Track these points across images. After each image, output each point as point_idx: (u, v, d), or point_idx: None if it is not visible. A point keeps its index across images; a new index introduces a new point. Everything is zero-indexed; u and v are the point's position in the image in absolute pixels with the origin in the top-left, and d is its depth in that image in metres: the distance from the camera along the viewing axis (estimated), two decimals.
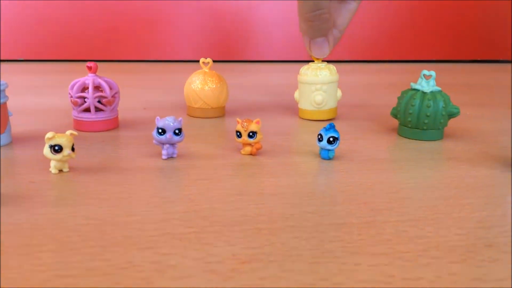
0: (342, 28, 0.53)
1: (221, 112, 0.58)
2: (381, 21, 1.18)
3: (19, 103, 0.64)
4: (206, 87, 0.56)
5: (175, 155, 0.42)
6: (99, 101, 0.50)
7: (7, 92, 0.66)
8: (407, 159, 0.43)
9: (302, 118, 0.58)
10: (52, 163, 0.38)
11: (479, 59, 1.23)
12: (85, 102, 0.49)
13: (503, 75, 1.03)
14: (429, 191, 0.36)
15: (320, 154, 0.43)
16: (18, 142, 0.46)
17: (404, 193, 0.35)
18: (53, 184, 0.36)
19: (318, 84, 0.55)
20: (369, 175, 0.39)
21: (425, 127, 0.49)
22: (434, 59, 1.21)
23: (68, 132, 0.37)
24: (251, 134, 0.43)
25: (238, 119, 0.43)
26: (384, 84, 0.88)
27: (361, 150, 0.46)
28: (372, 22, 1.18)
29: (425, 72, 0.50)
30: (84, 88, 0.50)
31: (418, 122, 0.49)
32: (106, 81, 0.50)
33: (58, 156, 0.37)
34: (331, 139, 0.42)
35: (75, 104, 0.49)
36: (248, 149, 0.44)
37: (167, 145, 0.42)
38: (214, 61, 0.61)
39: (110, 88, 0.50)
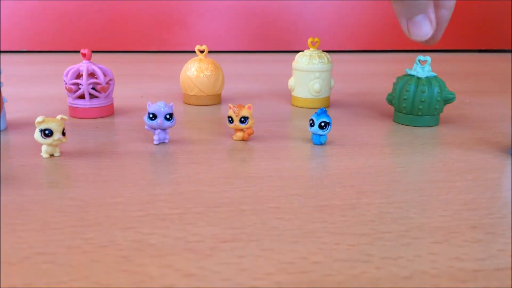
0: (450, 5, 0.44)
1: (217, 100, 0.58)
2: (379, 10, 1.17)
3: (16, 91, 0.65)
4: (202, 74, 0.56)
5: (166, 141, 0.42)
6: (93, 88, 0.50)
7: (2, 79, 0.66)
8: (399, 144, 0.43)
9: (296, 106, 0.58)
10: (43, 148, 0.38)
11: (479, 48, 1.22)
12: (79, 89, 0.50)
13: (503, 64, 1.02)
14: (418, 175, 0.36)
15: (312, 139, 0.43)
16: (12, 128, 0.46)
17: (392, 177, 0.35)
18: (43, 167, 0.36)
19: (316, 72, 0.55)
20: (358, 160, 0.39)
21: (420, 113, 0.48)
22: (433, 49, 1.20)
23: (58, 117, 0.38)
24: (242, 119, 0.43)
25: (230, 105, 0.43)
26: (380, 73, 0.87)
27: (354, 136, 0.45)
28: (370, 11, 1.17)
29: (421, 57, 0.49)
30: (78, 75, 0.50)
31: (413, 107, 0.48)
32: (100, 68, 0.50)
33: (49, 140, 0.37)
34: (322, 124, 0.42)
35: (69, 91, 0.49)
36: (240, 134, 0.44)
37: (159, 130, 0.42)
38: (209, 51, 0.61)
39: (105, 75, 0.50)
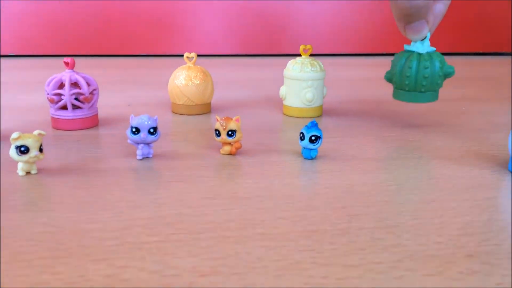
0: None
1: (206, 109, 0.57)
2: (372, 12, 1.15)
3: None
4: (190, 83, 0.54)
5: (150, 155, 0.41)
6: (76, 98, 0.48)
7: None
8: (392, 158, 0.41)
9: (287, 115, 0.56)
10: (19, 165, 0.36)
11: (477, 51, 1.21)
12: (62, 99, 0.48)
13: (502, 69, 1.00)
14: (411, 194, 0.34)
15: (302, 153, 0.41)
16: None
17: (385, 196, 0.33)
18: (18, 187, 0.34)
19: (309, 81, 0.53)
20: (351, 176, 0.37)
21: (423, 89, 0.48)
22: None
23: (36, 132, 0.36)
24: (230, 133, 0.41)
25: (217, 117, 0.42)
26: (374, 78, 0.85)
27: (346, 149, 0.44)
28: (364, 13, 1.15)
29: None
30: (61, 85, 0.48)
31: (416, 84, 0.47)
32: (83, 77, 0.48)
33: (25, 157, 0.35)
34: (313, 137, 0.40)
35: (51, 101, 0.48)
36: (227, 148, 0.42)
37: (142, 145, 0.40)
38: (199, 55, 0.59)
39: (88, 85, 0.49)
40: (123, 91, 0.70)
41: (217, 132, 0.41)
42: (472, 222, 0.30)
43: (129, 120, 0.39)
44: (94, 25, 1.08)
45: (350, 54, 1.15)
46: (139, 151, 0.40)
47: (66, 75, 0.48)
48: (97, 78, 0.51)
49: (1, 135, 0.45)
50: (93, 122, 0.50)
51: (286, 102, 0.56)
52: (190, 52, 0.56)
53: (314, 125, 0.40)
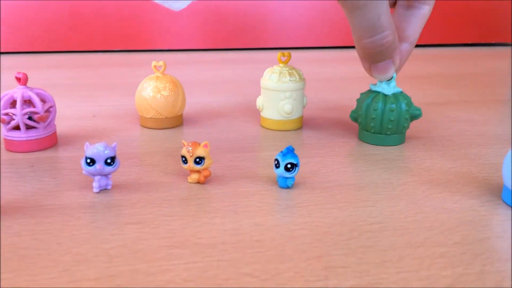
0: (413, 39, 0.44)
1: (177, 122, 0.53)
2: None
3: None
4: (159, 95, 0.50)
5: (109, 187, 0.37)
6: (29, 118, 0.43)
7: None
8: (376, 186, 0.38)
9: (265, 128, 0.52)
10: None
11: (471, 42, 1.16)
12: (13, 119, 0.43)
13: (500, 62, 0.96)
14: (396, 235, 0.31)
15: (277, 181, 0.38)
16: None
17: (367, 239, 0.30)
18: None
19: (287, 92, 0.49)
20: (330, 211, 0.34)
21: (388, 132, 0.46)
22: (418, 43, 1.14)
23: None
24: (198, 160, 0.37)
25: (183, 142, 0.38)
26: (361, 76, 0.81)
27: (326, 173, 0.40)
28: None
29: None
30: (13, 102, 0.44)
31: (382, 127, 0.45)
32: (38, 94, 0.44)
33: None
34: (288, 165, 0.36)
35: (2, 121, 0.43)
36: (195, 176, 0.38)
37: (99, 177, 0.36)
38: (174, 50, 0.55)
39: (44, 102, 0.44)
40: (89, 97, 0.65)
41: (183, 159, 0.37)
42: (463, 275, 0.26)
43: (92, 137, 0.35)
44: (61, 20, 1.02)
45: (337, 47, 1.10)
46: (96, 183, 0.36)
47: (18, 92, 0.43)
48: (61, 81, 0.46)
49: None
50: (51, 142, 0.45)
51: (263, 114, 0.52)
52: (158, 61, 0.52)
53: (290, 151, 0.37)
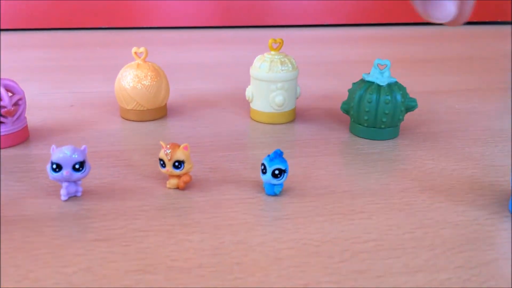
0: None
1: (161, 113, 0.49)
2: None
3: None
4: (139, 85, 0.46)
5: (79, 194, 0.33)
6: None
7: None
8: (372, 193, 0.35)
9: (255, 121, 0.48)
10: None
11: (472, 21, 1.11)
12: None
13: (504, 43, 0.91)
14: (392, 257, 0.27)
15: (264, 187, 0.34)
16: None
17: (360, 262, 0.27)
18: None
19: (278, 82, 0.46)
20: (320, 225, 0.30)
21: (383, 126, 0.43)
22: (419, 21, 1.09)
23: None
24: (177, 164, 0.34)
25: (162, 143, 0.34)
26: (361, 59, 0.77)
27: (319, 177, 0.37)
28: None
29: (379, 61, 0.43)
30: None
31: (376, 120, 0.42)
32: (6, 85, 0.40)
33: None
34: (276, 172, 0.33)
35: None
36: (174, 182, 0.35)
37: (67, 183, 0.33)
38: (167, 27, 0.51)
39: (12, 94, 0.40)
40: (67, 82, 0.60)
41: (161, 162, 0.34)
42: None
43: (68, 131, 0.32)
44: None
45: (336, 25, 1.05)
46: (64, 190, 0.33)
47: None
48: (36, 63, 0.42)
49: None
50: (21, 137, 0.42)
51: (253, 106, 0.48)
52: (140, 47, 0.48)
53: (277, 155, 0.33)
